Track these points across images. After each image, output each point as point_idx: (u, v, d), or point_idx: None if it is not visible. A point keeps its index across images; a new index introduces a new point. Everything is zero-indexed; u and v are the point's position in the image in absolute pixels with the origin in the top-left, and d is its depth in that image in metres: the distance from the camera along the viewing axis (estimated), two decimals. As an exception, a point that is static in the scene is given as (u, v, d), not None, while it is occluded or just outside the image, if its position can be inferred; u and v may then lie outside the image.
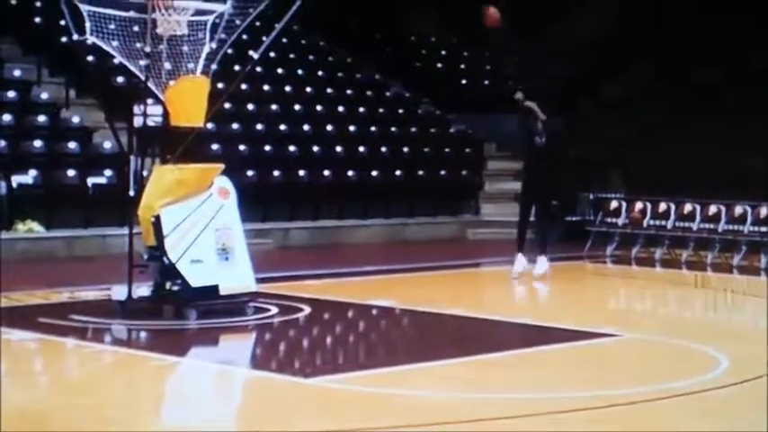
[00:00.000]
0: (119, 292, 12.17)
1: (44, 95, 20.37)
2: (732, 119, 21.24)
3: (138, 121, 12.65)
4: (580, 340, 11.36)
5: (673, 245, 18.54)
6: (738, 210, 18.17)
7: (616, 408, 8.42)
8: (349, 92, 24.51)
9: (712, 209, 18.37)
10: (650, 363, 10.45)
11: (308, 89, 23.73)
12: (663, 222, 18.68)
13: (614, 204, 19.30)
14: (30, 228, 17.28)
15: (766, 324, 11.96)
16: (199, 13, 12.64)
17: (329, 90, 24.14)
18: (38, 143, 18.78)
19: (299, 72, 24.32)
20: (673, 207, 18.70)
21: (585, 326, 12.00)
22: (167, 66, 12.52)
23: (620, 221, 19.05)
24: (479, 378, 9.67)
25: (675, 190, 18.97)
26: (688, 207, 18.59)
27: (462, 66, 27.28)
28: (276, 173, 20.65)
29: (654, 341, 11.46)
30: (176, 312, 11.89)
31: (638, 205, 19.01)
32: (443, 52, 27.65)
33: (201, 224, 12.00)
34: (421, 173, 22.60)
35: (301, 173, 20.98)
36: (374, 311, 13.46)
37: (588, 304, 14.63)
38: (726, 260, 17.92)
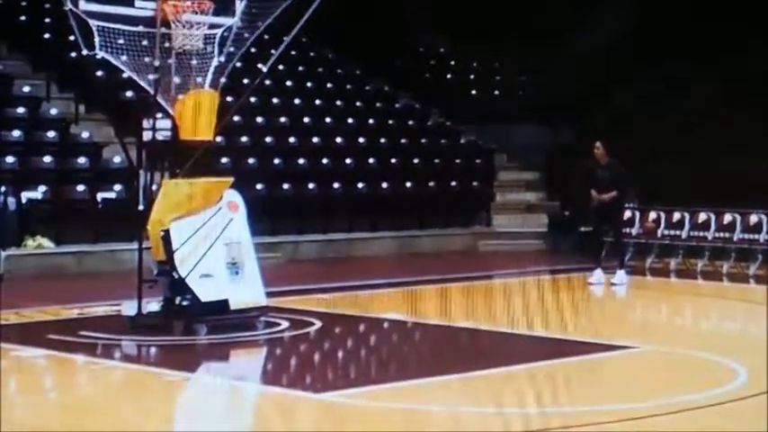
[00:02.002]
0: (129, 308, 12.18)
1: (53, 111, 20.44)
2: (745, 125, 21.20)
3: (147, 136, 12.64)
4: (595, 353, 11.32)
5: (687, 255, 18.53)
6: (754, 218, 18.18)
7: (630, 422, 8.39)
8: (358, 104, 24.54)
9: (727, 217, 18.40)
10: (666, 375, 10.41)
11: (318, 101, 23.78)
12: (677, 232, 18.70)
13: (628, 214, 19.17)
14: (39, 244, 17.31)
15: (766, 333, 11.97)
16: (208, 26, 12.67)
17: (338, 102, 24.18)
18: (47, 159, 18.84)
19: (308, 84, 24.37)
20: (687, 216, 18.73)
21: (601, 338, 11.97)
22: (176, 80, 12.55)
23: (634, 231, 19.06)
24: (491, 392, 9.63)
25: (688, 200, 18.93)
26: (702, 216, 18.60)
27: (472, 76, 27.30)
28: (286, 186, 20.66)
29: (670, 353, 11.42)
30: (186, 328, 11.87)
31: (652, 215, 19.04)
32: (453, 63, 27.68)
33: (211, 238, 12.00)
34: (431, 184, 22.60)
35: (311, 186, 21.00)
36: (385, 325, 13.47)
37: (603, 316, 14.65)
38: (742, 270, 17.90)
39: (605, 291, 16.45)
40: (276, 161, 21.22)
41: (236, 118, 18.85)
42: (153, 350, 11.69)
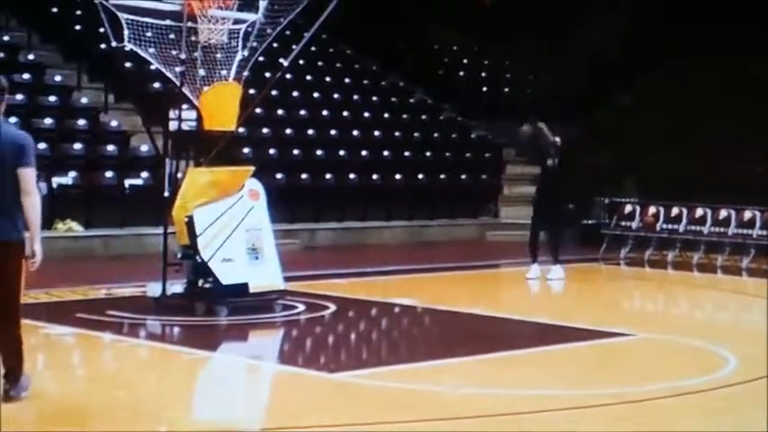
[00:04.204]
0: (153, 289, 12.47)
1: (84, 100, 20.65)
2: (741, 124, 21.41)
3: (173, 126, 12.85)
4: (594, 339, 11.55)
5: (684, 248, 18.73)
6: (748, 214, 18.38)
7: (626, 405, 8.61)
8: (374, 98, 24.78)
9: (723, 213, 18.58)
10: (661, 362, 10.61)
11: (336, 95, 24.02)
12: (675, 226, 18.88)
13: (628, 208, 19.51)
14: (69, 227, 17.51)
15: (766, 324, 12.14)
16: (232, 22, 12.94)
17: (355, 96, 24.42)
18: (77, 146, 19.04)
19: (327, 79, 24.60)
20: (685, 211, 18.91)
21: (599, 326, 12.19)
22: (202, 72, 12.82)
23: (634, 225, 19.26)
24: (496, 375, 9.86)
25: (687, 195, 19.18)
26: (699, 211, 18.80)
27: (483, 74, 27.57)
28: (304, 176, 20.93)
29: (665, 341, 11.65)
30: (208, 309, 12.12)
31: (652, 209, 19.21)
32: (465, 61, 27.93)
33: (232, 224, 12.26)
34: (442, 176, 22.90)
35: (328, 176, 21.27)
36: (396, 310, 13.65)
37: (602, 305, 14.80)
38: (735, 263, 18.11)
39: (603, 281, 16.57)
40: (295, 152, 21.43)
41: (257, 110, 19.12)
42: (176, 330, 11.88)
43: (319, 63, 25.03)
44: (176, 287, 12.45)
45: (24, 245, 7.87)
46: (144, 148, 19.27)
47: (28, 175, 7.84)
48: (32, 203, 7.84)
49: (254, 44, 12.99)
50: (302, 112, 22.92)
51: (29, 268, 7.91)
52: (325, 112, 23.22)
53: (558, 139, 15.94)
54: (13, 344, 8.00)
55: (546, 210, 15.95)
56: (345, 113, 23.55)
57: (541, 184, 16.29)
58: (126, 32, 12.53)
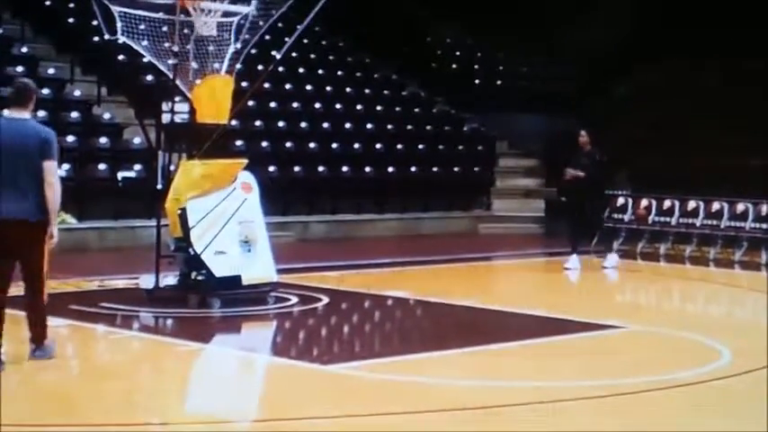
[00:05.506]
0: (146, 281, 12.50)
1: (77, 93, 20.71)
2: (734, 119, 21.50)
3: (166, 118, 12.88)
4: (586, 332, 11.58)
5: (677, 240, 18.80)
6: (740, 207, 18.45)
7: (618, 397, 8.65)
8: (367, 91, 24.84)
9: (715, 206, 18.66)
10: (653, 354, 10.65)
11: (328, 88, 24.08)
12: (667, 219, 18.95)
13: (621, 201, 19.59)
14: (62, 219, 17.01)
15: (767, 320, 12.16)
16: (224, 14, 12.96)
17: (348, 89, 24.47)
18: (71, 138, 18.96)
19: (320, 72, 24.66)
20: (677, 204, 18.99)
21: (592, 318, 12.21)
22: (194, 65, 12.82)
23: (626, 217, 19.36)
24: (488, 367, 9.92)
25: (679, 187, 19.22)
26: (692, 204, 18.85)
27: (476, 66, 27.60)
28: (297, 168, 20.99)
29: (657, 333, 11.69)
30: (201, 301, 12.17)
31: (644, 202, 19.29)
32: (458, 53, 28.00)
33: (225, 217, 12.30)
34: (435, 169, 22.97)
35: (321, 168, 21.34)
36: (389, 302, 13.73)
37: (595, 297, 14.86)
38: (728, 255, 18.18)
39: (597, 273, 16.57)
40: (288, 144, 21.48)
41: (250, 103, 19.10)
42: (169, 321, 11.91)
43: (312, 56, 25.06)
44: (169, 279, 12.49)
45: (45, 225, 9.00)
46: (137, 140, 19.30)
47: (51, 168, 8.99)
48: (53, 192, 8.95)
49: (247, 36, 13.01)
50: (295, 105, 22.94)
51: (50, 246, 9.03)
52: (317, 105, 23.27)
53: (583, 132, 16.36)
54: (38, 314, 9.20)
55: (584, 201, 16.41)
56: (338, 106, 23.59)
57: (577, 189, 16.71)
58: (119, 25, 12.56)
